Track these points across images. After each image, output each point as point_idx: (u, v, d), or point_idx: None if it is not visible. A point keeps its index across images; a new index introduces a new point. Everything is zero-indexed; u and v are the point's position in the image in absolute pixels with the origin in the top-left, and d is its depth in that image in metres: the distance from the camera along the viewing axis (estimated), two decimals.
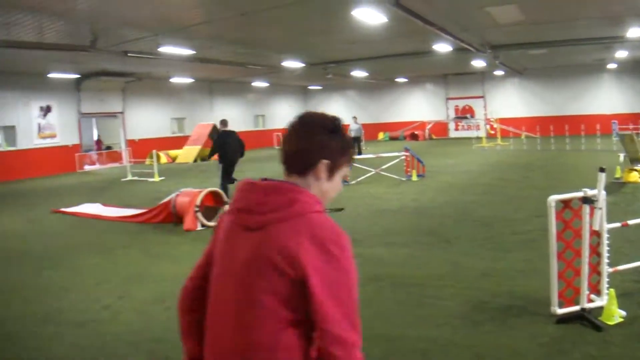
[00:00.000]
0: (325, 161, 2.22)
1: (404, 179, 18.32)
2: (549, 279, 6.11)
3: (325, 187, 2.27)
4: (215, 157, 16.58)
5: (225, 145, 16.06)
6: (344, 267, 2.05)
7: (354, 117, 30.71)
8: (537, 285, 6.98)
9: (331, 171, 2.26)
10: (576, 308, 6.00)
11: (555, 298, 6.04)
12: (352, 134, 29.29)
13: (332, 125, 2.27)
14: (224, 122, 16.94)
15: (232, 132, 16.42)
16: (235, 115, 42.54)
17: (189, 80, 35.71)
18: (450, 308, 6.52)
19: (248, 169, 25.63)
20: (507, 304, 6.56)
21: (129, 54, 20.93)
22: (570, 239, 6.09)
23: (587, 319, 5.81)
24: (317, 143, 2.22)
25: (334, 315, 1.98)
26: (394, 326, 6.17)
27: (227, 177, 16.14)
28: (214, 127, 33.77)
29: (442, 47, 23.64)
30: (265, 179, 2.22)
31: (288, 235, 2.05)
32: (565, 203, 6.07)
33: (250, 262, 2.09)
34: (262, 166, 27.29)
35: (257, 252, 2.08)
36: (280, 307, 2.02)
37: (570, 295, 6.12)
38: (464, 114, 44.09)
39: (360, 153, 27.92)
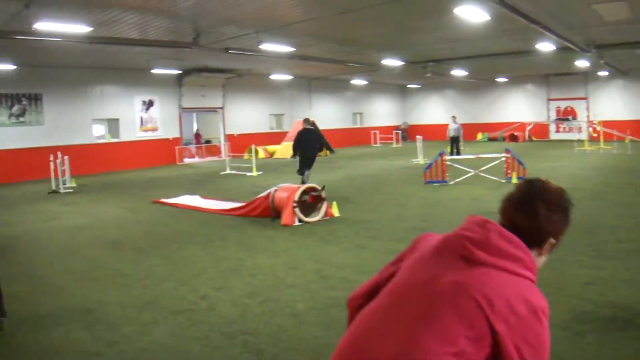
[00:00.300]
0: (552, 241, 2.26)
1: (503, 180, 17.88)
2: None
3: (540, 261, 2.30)
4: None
5: (302, 143, 18.17)
6: (545, 339, 2.10)
7: (453, 117, 30.30)
8: None
9: (551, 249, 2.30)
10: None
11: None
12: (451, 134, 29.00)
13: (567, 205, 2.29)
14: (306, 121, 19.34)
15: (311, 130, 18.84)
16: (333, 113, 42.98)
17: (288, 77, 36.11)
18: (550, 317, 6.28)
19: (345, 166, 25.74)
20: (611, 315, 6.26)
21: (230, 51, 21.25)
22: None
23: None
24: (553, 224, 2.23)
25: None
26: None
27: (301, 169, 18.27)
28: (312, 123, 34.05)
29: (545, 47, 23.07)
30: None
31: (504, 288, 2.06)
32: None
33: (453, 292, 2.08)
34: (357, 163, 27.33)
35: (465, 286, 2.07)
36: (462, 343, 2.00)
37: None
38: (566, 116, 42.75)
39: (458, 153, 27.55)
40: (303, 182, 16.52)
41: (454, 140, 28.90)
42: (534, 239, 2.22)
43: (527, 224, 2.22)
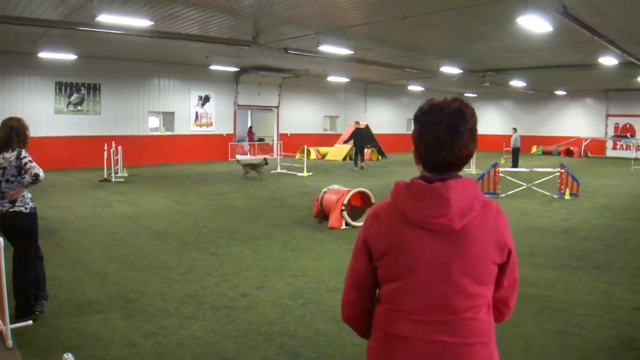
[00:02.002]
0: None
1: (556, 196, 17.50)
2: None
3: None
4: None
5: (357, 137, 27.99)
6: None
7: (514, 129, 29.92)
8: None
9: None
10: None
11: None
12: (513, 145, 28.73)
13: (475, 121, 2.31)
14: (357, 122, 29.63)
15: (362, 129, 28.57)
16: (388, 118, 42.89)
17: (344, 79, 35.98)
18: (594, 340, 6.01)
19: (397, 172, 25.57)
20: None
21: (289, 51, 21.23)
22: None
23: None
24: (476, 143, 2.31)
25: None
26: (534, 353, 5.74)
27: (356, 156, 27.93)
28: (367, 127, 34.06)
29: (608, 61, 22.60)
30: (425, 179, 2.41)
31: (495, 224, 2.27)
32: None
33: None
34: (409, 170, 27.08)
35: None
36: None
37: None
38: (624, 133, 41.70)
39: (516, 166, 26.99)
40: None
41: (515, 151, 28.53)
42: (467, 162, 2.36)
43: (464, 152, 2.28)
